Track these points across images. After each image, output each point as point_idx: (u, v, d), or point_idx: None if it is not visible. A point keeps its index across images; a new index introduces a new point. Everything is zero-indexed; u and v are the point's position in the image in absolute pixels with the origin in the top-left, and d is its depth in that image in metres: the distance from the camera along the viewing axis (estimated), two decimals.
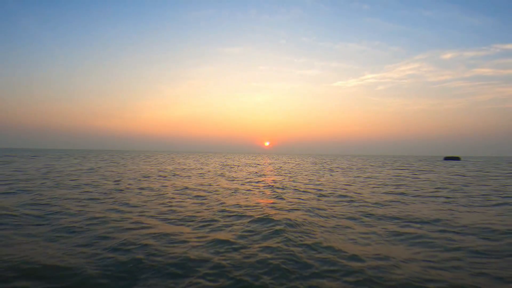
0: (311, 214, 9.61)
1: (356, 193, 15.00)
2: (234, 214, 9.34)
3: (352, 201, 12.50)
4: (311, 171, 32.73)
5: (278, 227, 7.48)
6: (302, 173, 28.83)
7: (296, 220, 8.36)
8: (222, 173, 27.26)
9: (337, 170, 34.57)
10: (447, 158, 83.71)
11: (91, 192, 13.59)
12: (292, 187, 17.04)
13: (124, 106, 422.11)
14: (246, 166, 42.18)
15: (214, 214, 9.25)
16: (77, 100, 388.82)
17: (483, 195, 14.73)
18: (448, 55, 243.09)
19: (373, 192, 15.57)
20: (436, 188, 17.58)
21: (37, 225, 7.71)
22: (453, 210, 10.74)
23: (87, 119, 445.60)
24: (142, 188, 15.30)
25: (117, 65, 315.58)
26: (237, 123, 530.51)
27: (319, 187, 17.15)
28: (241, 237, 6.84)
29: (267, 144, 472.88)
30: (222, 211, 9.76)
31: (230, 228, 7.69)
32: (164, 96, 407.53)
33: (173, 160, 59.76)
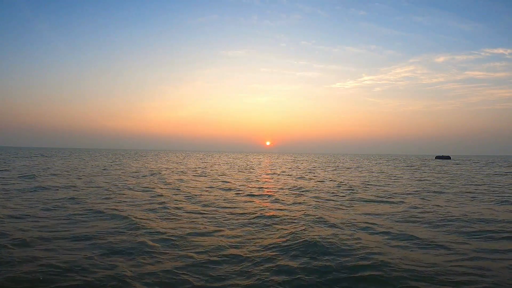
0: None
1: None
2: None
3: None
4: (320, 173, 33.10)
5: None
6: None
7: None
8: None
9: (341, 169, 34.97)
10: (438, 157, 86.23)
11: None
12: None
13: (130, 107, 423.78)
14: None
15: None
16: (85, 102, 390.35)
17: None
18: (440, 59, 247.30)
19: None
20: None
21: None
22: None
23: (95, 119, 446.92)
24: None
25: (124, 68, 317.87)
26: (239, 123, 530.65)
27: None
28: None
29: (268, 143, 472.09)
30: None
31: None
32: (169, 97, 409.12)
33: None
